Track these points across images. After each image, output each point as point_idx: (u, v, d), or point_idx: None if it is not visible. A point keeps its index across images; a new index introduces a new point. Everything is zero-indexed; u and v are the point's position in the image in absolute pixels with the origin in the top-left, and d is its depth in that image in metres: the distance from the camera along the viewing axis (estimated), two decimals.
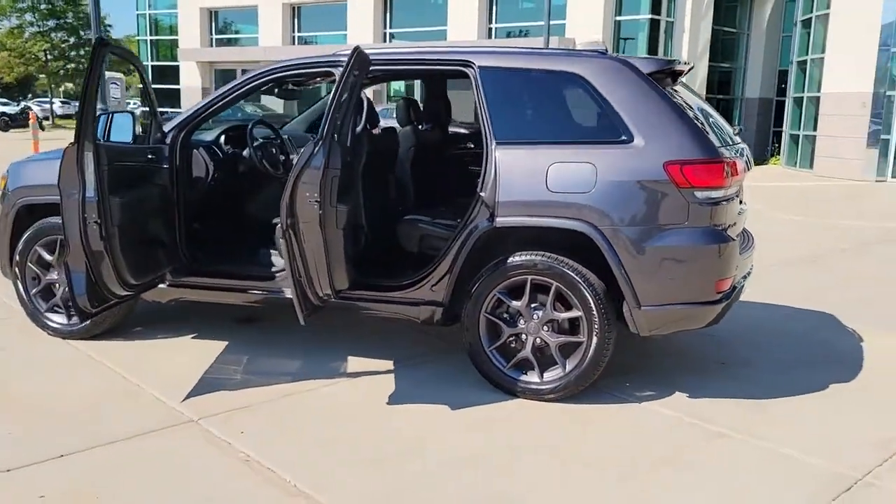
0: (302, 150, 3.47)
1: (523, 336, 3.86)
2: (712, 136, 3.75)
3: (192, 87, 29.99)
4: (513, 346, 3.91)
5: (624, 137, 3.68)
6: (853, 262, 7.83)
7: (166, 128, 4.32)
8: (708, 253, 3.67)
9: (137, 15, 33.02)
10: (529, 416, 3.71)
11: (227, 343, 4.60)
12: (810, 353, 4.75)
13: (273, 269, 4.31)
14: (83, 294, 3.67)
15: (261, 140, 4.67)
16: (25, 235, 4.59)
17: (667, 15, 20.34)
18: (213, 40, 30.44)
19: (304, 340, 4.68)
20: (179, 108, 29.45)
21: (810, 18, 18.99)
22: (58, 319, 4.63)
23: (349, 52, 3.65)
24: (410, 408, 3.76)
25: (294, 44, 27.72)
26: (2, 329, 4.82)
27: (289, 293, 4.19)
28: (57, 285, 4.62)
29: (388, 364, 4.33)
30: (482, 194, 3.82)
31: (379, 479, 3.07)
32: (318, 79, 4.79)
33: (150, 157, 4.04)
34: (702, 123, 3.77)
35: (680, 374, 4.27)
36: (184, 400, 3.76)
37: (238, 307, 4.88)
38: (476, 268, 3.94)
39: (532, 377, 3.85)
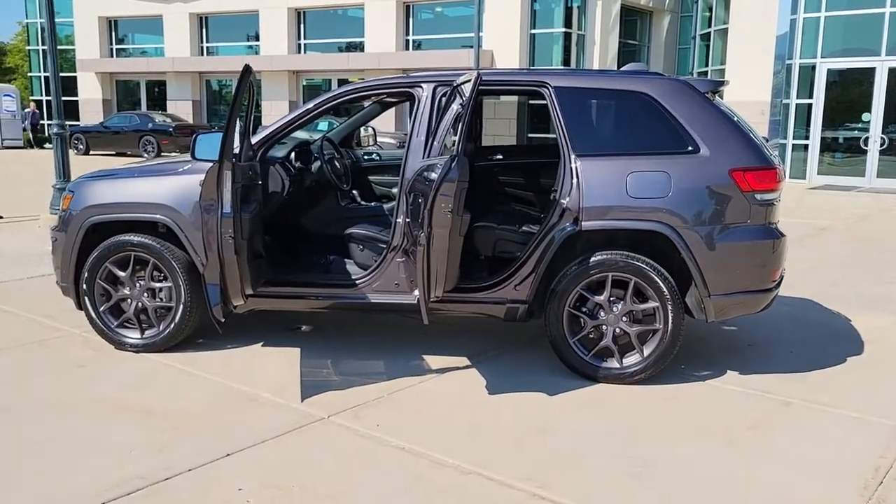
0: (436, 164, 3.79)
1: (603, 327, 4.32)
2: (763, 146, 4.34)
3: (92, 99, 28.94)
4: (590, 336, 4.35)
5: (691, 148, 4.20)
6: (797, 254, 8.70)
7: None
8: (766, 247, 4.25)
9: (28, 24, 31.46)
10: (621, 396, 4.16)
11: (299, 349, 4.82)
12: (813, 332, 5.44)
13: (353, 277, 4.58)
14: (218, 304, 3.85)
15: (328, 156, 4.94)
16: (96, 253, 4.66)
17: (578, 28, 21.41)
18: (114, 50, 29.43)
19: (369, 344, 4.98)
20: (78, 121, 28.30)
21: (709, 33, 20.51)
22: (131, 334, 4.72)
23: (420, 75, 4.04)
24: (514, 396, 4.14)
25: (203, 54, 27.26)
26: (61, 347, 4.84)
27: (373, 298, 4.52)
28: (129, 301, 4.71)
29: (464, 360, 4.69)
30: (563, 201, 4.25)
31: (533, 455, 3.45)
32: (395, 99, 5.10)
33: (250, 173, 4.25)
34: (755, 135, 4.34)
35: (721, 356, 4.83)
36: (303, 401, 3.99)
37: (283, 316, 5.15)
38: (551, 268, 4.36)
39: (613, 363, 4.31)
